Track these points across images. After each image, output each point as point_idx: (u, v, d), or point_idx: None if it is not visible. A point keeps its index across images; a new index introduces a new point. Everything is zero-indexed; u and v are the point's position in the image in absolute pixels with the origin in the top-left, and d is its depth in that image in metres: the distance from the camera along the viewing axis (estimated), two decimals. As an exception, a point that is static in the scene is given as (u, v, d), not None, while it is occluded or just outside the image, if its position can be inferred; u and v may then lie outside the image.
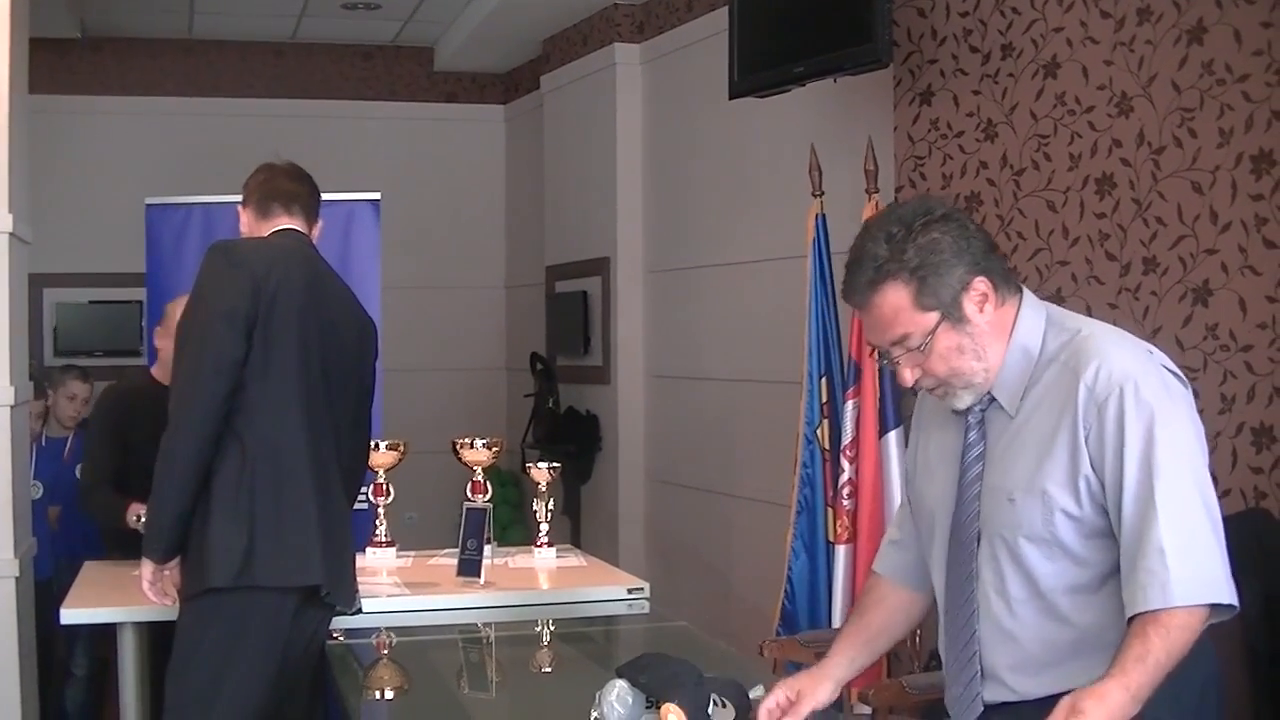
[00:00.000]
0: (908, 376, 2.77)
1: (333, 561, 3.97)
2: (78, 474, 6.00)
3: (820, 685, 3.01)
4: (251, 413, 3.87)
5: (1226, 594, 2.55)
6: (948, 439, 2.90)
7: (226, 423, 3.84)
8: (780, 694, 2.98)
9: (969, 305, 2.71)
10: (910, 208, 2.78)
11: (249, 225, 4.27)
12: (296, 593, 3.91)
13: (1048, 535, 2.68)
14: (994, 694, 2.84)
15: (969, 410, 2.82)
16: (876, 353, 2.85)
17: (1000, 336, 2.75)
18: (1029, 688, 2.76)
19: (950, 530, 2.87)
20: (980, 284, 2.71)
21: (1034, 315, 2.79)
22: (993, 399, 2.79)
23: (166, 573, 3.95)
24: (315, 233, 4.33)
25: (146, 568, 3.92)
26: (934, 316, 2.70)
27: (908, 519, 3.11)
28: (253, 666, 3.85)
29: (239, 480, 3.83)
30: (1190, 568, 2.52)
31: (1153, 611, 2.52)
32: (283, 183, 4.28)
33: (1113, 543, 2.63)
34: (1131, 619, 2.54)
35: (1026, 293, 2.82)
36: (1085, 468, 2.63)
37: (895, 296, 2.70)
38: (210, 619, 3.84)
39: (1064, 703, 2.53)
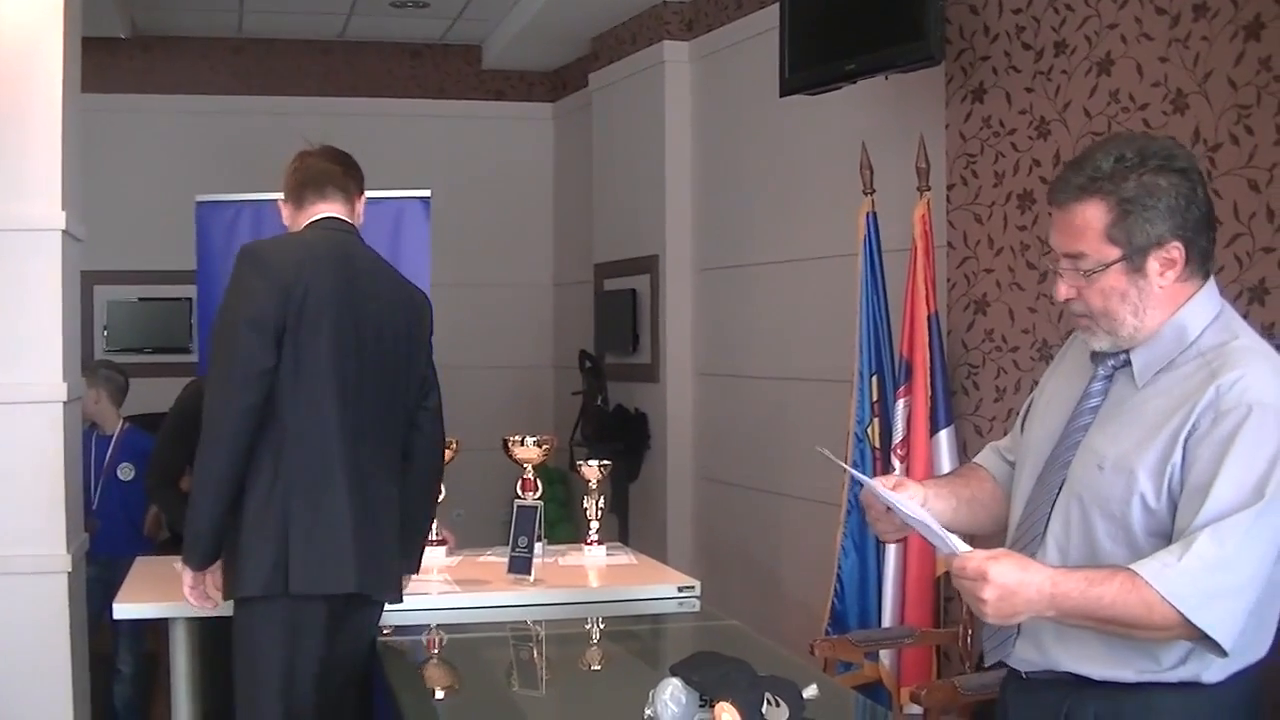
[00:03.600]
0: (1062, 291, 2.77)
1: (367, 562, 3.95)
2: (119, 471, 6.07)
3: (912, 483, 3.05)
4: (284, 420, 3.87)
5: (1217, 628, 2.50)
6: (1073, 388, 2.89)
7: (259, 431, 3.85)
8: (884, 479, 3.00)
9: (1154, 262, 2.68)
10: (1158, 145, 2.74)
11: (289, 218, 4.26)
12: (337, 596, 3.93)
13: (1119, 515, 2.66)
14: (1022, 649, 2.83)
15: (1101, 363, 2.81)
16: (1049, 255, 2.84)
17: (1166, 307, 2.72)
18: (1055, 653, 2.75)
19: (1040, 469, 2.87)
20: (1174, 250, 2.68)
21: (1207, 304, 2.75)
22: (1128, 361, 2.77)
23: (208, 577, 3.99)
24: (359, 208, 4.30)
25: (186, 574, 3.98)
26: (1115, 252, 2.68)
27: (1016, 442, 3.11)
28: (305, 665, 3.88)
29: (270, 490, 3.85)
30: (1201, 578, 2.48)
31: (1138, 575, 2.50)
32: (315, 164, 4.25)
33: None
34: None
35: (1212, 283, 2.78)
36: (1175, 458, 2.59)
37: (1093, 214, 2.69)
38: (260, 621, 3.88)
39: (996, 550, 2.60)
